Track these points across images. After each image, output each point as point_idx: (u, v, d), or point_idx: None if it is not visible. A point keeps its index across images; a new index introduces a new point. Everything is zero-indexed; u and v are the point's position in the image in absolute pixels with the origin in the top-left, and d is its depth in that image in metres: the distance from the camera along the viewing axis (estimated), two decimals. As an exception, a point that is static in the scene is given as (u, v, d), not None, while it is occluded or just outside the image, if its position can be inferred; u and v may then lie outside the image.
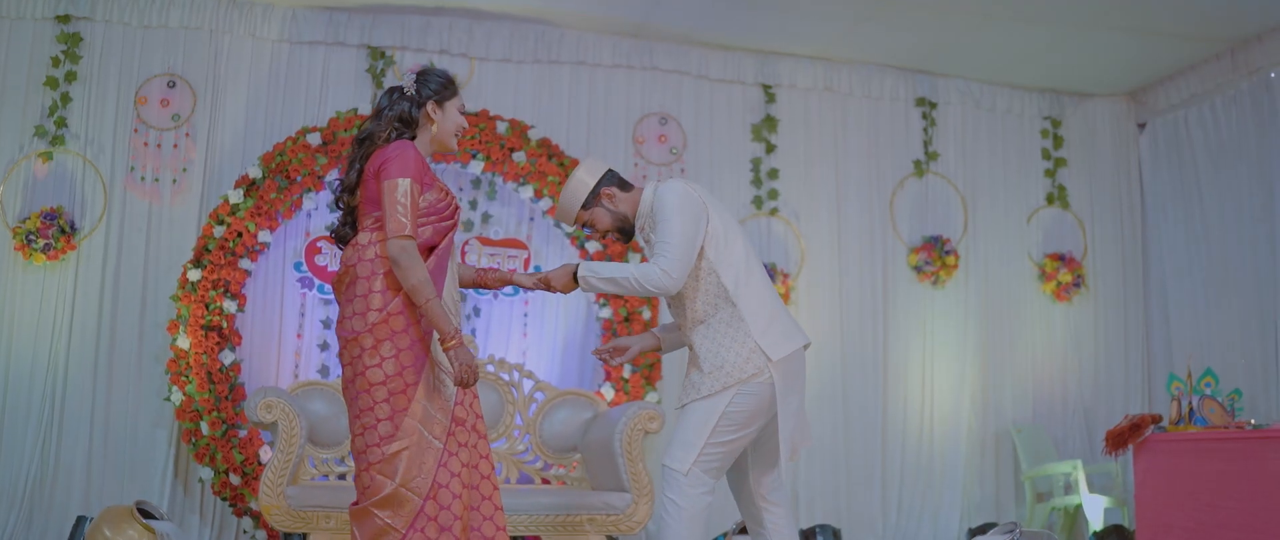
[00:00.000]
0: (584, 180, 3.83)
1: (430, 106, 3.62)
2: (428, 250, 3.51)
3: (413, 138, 3.61)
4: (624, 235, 3.91)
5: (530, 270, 6.64)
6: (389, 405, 3.41)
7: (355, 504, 3.49)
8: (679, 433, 3.73)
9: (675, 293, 3.71)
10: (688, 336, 3.81)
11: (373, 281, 3.45)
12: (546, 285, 3.81)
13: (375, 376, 3.42)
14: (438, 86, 3.64)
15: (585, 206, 3.84)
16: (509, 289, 6.59)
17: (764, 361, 3.66)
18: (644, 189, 3.85)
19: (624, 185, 3.87)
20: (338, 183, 3.64)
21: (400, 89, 3.63)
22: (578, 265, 3.75)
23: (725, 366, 3.67)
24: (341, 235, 3.66)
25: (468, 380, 3.43)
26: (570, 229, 6.57)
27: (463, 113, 3.72)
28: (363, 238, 3.53)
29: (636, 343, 4.03)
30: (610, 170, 3.88)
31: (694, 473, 3.66)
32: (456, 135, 3.70)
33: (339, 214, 3.69)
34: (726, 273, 3.71)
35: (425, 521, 3.39)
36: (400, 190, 3.40)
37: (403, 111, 3.59)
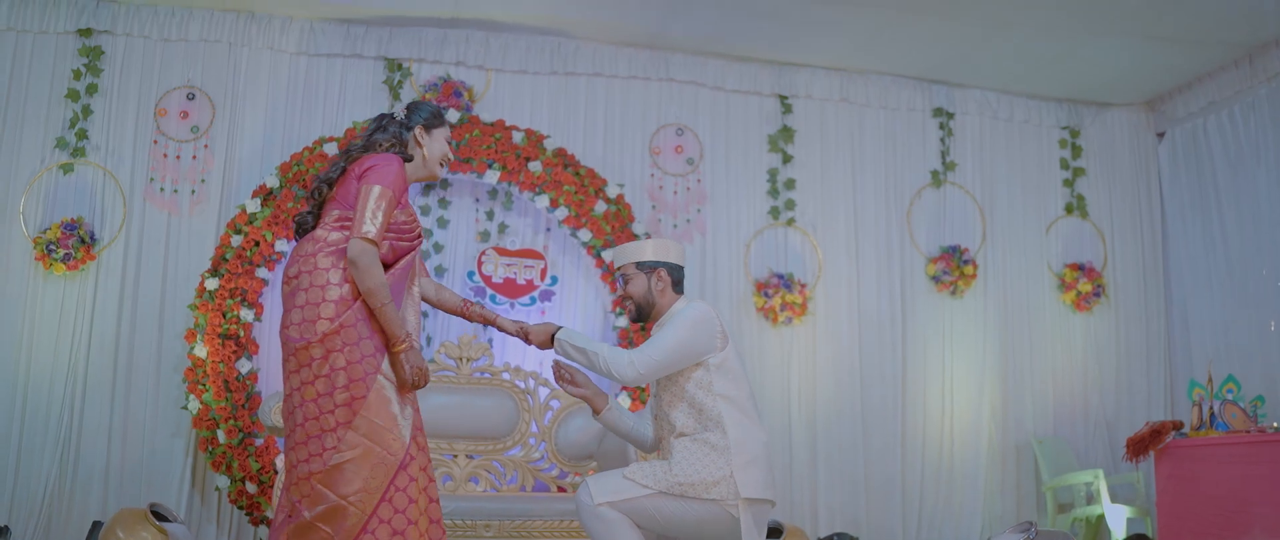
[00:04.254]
0: (654, 249, 3.95)
1: (418, 131, 3.71)
2: (383, 267, 3.50)
3: (407, 160, 3.68)
4: (639, 313, 3.97)
5: (547, 280, 6.66)
6: (334, 417, 3.36)
7: (293, 520, 3.37)
8: (618, 476, 3.71)
9: (632, 386, 3.79)
10: (667, 442, 3.83)
11: (326, 291, 3.42)
12: (525, 336, 3.89)
13: (323, 387, 3.37)
14: (426, 115, 3.75)
15: (639, 265, 3.93)
16: (524, 298, 6.61)
17: (733, 491, 3.66)
18: (680, 301, 3.93)
19: (677, 285, 3.96)
20: (319, 176, 3.66)
21: (390, 115, 3.74)
22: (558, 329, 3.83)
23: (693, 478, 3.66)
24: (303, 222, 3.66)
25: (418, 382, 3.45)
26: (587, 239, 6.58)
27: (449, 143, 3.80)
28: (320, 233, 3.52)
29: (590, 389, 4.01)
30: (681, 266, 3.98)
31: (605, 508, 3.65)
32: (442, 164, 3.77)
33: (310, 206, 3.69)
34: (727, 403, 3.76)
35: (377, 524, 3.32)
36: (376, 196, 3.44)
37: (395, 134, 3.68)
